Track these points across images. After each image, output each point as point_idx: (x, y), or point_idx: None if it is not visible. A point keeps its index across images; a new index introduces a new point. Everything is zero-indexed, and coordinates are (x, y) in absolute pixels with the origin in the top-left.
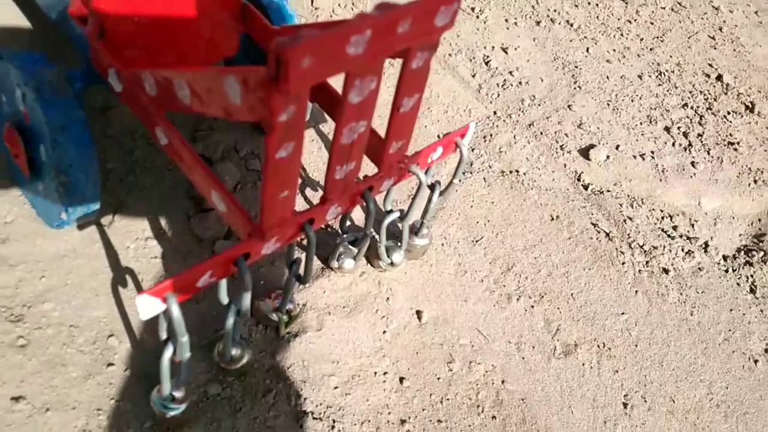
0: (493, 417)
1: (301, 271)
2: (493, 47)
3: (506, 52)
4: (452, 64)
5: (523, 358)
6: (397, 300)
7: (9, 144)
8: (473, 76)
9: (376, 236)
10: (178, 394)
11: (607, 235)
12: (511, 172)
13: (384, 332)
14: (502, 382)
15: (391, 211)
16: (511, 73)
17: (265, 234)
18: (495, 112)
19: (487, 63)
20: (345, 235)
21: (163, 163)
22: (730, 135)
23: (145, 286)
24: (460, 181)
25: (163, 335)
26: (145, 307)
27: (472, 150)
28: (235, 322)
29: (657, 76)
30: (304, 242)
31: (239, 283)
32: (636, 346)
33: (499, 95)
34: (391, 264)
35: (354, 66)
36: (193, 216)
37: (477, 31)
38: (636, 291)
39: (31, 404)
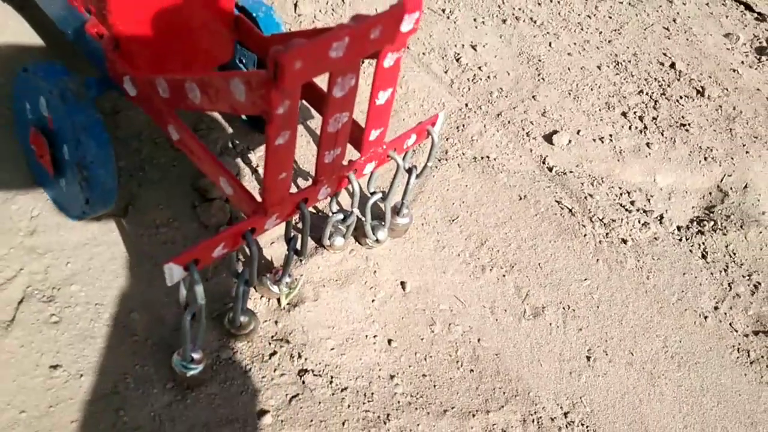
0: (471, 370)
1: (299, 246)
2: (463, 45)
3: (475, 50)
4: (426, 62)
5: (497, 319)
6: (383, 273)
7: (35, 146)
8: (446, 72)
9: (362, 217)
10: (196, 356)
11: (570, 210)
12: (482, 158)
13: (373, 301)
14: (478, 340)
15: (374, 193)
16: (480, 68)
17: (268, 211)
18: (467, 104)
19: (458, 60)
20: (335, 213)
21: (168, 160)
22: (683, 117)
23: (157, 267)
24: (433, 165)
25: (183, 301)
26: (171, 274)
27: (447, 139)
28: (243, 291)
29: (615, 66)
30: (299, 225)
31: (247, 254)
32: (598, 307)
33: (469, 89)
34: (377, 241)
35: (336, 66)
36: (198, 205)
37: (448, 31)
38: (597, 259)
39: (67, 371)
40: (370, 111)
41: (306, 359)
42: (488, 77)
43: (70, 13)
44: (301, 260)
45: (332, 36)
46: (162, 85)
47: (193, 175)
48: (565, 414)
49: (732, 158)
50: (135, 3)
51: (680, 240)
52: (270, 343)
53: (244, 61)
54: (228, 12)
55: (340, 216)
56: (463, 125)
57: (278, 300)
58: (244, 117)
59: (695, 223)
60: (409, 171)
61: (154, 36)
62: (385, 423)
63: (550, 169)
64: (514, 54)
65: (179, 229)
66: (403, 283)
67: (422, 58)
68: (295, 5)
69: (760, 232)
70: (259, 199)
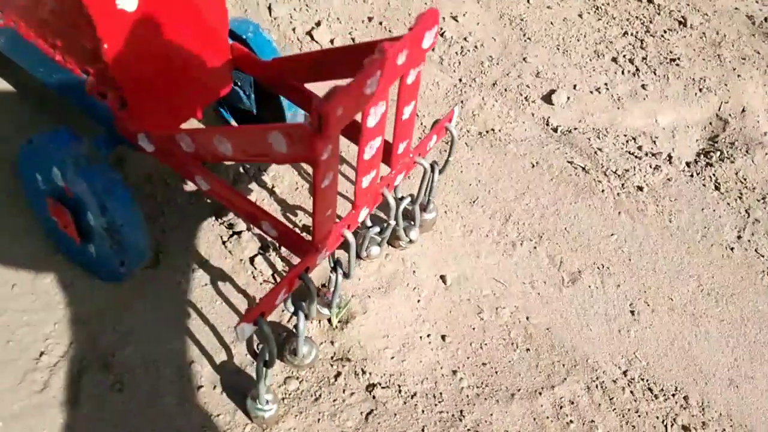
0: (527, 349)
1: (345, 269)
2: (444, 18)
3: (457, 20)
4: None
5: (539, 293)
6: (421, 271)
7: (57, 217)
8: (433, 49)
9: (393, 222)
10: (269, 397)
11: (583, 168)
12: (487, 131)
13: (418, 301)
14: (527, 318)
15: (402, 198)
16: (465, 39)
17: (318, 247)
18: (460, 79)
19: (442, 35)
20: (371, 227)
21: (184, 200)
22: (671, 52)
23: (203, 311)
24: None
25: (253, 350)
26: (243, 332)
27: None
28: (303, 324)
29: (595, 12)
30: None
31: (306, 292)
32: (630, 260)
33: (460, 63)
34: (410, 242)
35: (370, 100)
36: (228, 240)
37: (426, 6)
38: (619, 212)
39: None
40: (396, 127)
41: (370, 373)
42: (475, 47)
43: (66, 76)
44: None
45: (365, 74)
46: (185, 140)
47: (213, 210)
48: (624, 373)
49: (725, 84)
50: (136, 58)
51: (692, 176)
52: (332, 365)
53: (239, 83)
54: (223, 42)
55: (377, 229)
56: (462, 102)
57: (329, 320)
58: None
59: (702, 156)
60: (432, 167)
61: (158, 85)
62: (460, 420)
63: (555, 130)
64: (495, 18)
65: (213, 267)
66: (443, 277)
67: None
68: (269, 8)
69: (767, 153)
70: (302, 234)
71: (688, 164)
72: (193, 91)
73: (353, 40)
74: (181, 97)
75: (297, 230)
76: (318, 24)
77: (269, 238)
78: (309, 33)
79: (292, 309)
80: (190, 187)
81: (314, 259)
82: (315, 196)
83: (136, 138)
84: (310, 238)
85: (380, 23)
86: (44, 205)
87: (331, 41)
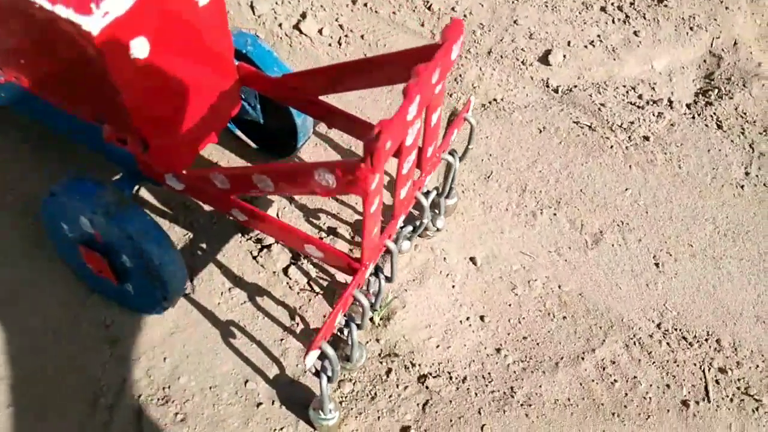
0: (564, 317)
1: (387, 273)
2: None
3: None
4: (400, 21)
5: (566, 260)
6: (451, 256)
7: (91, 264)
8: (422, 25)
9: (426, 221)
10: (331, 406)
11: (590, 127)
12: (490, 102)
13: (453, 286)
14: (559, 287)
15: (428, 193)
16: (453, 9)
17: (367, 265)
18: None
19: (429, 8)
20: (404, 227)
21: (206, 220)
22: None
23: (247, 328)
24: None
25: (314, 369)
26: (311, 359)
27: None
28: (356, 334)
29: None
30: None
31: (359, 305)
32: (646, 212)
33: None
34: (437, 230)
35: (411, 123)
36: (258, 254)
37: None
38: (630, 166)
39: None
40: (426, 133)
41: (419, 365)
42: (464, 16)
43: (78, 125)
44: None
45: (407, 102)
46: (219, 178)
47: (237, 227)
48: (658, 325)
49: (715, 19)
50: (153, 100)
51: (693, 118)
52: (381, 362)
53: (244, 96)
54: (229, 63)
55: (410, 228)
56: (460, 75)
57: (371, 320)
58: (254, 145)
59: (701, 95)
60: (452, 154)
61: (176, 121)
62: (512, 396)
63: (556, 91)
64: None
65: (248, 283)
66: (472, 259)
67: (394, 18)
68: (252, 7)
69: (763, 85)
70: (345, 249)
71: (688, 106)
72: (207, 118)
73: (341, 26)
74: (198, 127)
75: (339, 248)
76: (303, 16)
77: (314, 259)
78: (296, 26)
79: (343, 322)
80: (209, 206)
81: (363, 275)
82: (364, 221)
83: (163, 178)
84: (346, 251)
85: (365, 5)
86: (74, 252)
87: (320, 31)
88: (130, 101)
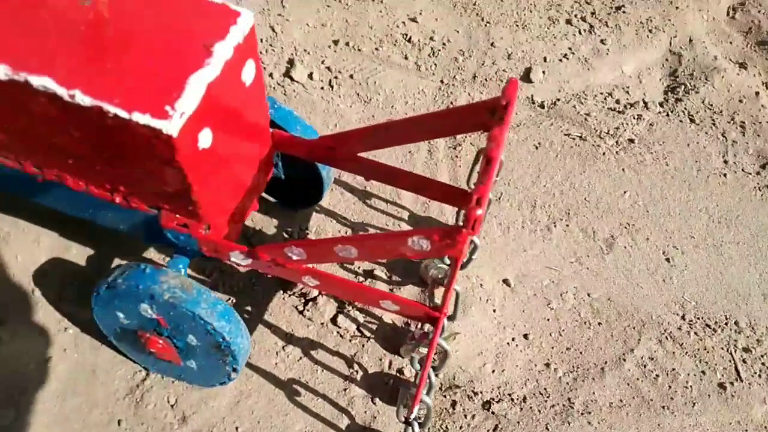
0: (599, 323)
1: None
2: (404, 23)
3: (416, 21)
4: (383, 57)
5: (588, 268)
6: (486, 281)
7: (154, 349)
8: (406, 58)
9: (475, 257)
10: None
11: (581, 137)
12: None
13: (494, 310)
14: (588, 295)
15: None
16: (432, 38)
17: (445, 313)
18: (442, 81)
19: (409, 40)
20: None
21: (246, 283)
22: (612, 1)
23: (309, 383)
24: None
25: (405, 417)
26: (415, 412)
27: None
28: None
29: None
30: None
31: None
32: (647, 211)
33: (435, 65)
34: (471, 260)
35: None
36: (304, 308)
37: (381, 15)
38: (623, 169)
39: None
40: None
41: (481, 392)
42: (443, 44)
43: (127, 214)
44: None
45: (494, 165)
46: (294, 251)
47: (278, 284)
48: (683, 317)
49: (669, 20)
50: (215, 185)
51: (668, 115)
52: (445, 396)
53: None
54: (266, 132)
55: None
56: (451, 102)
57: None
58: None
59: (670, 93)
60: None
61: (230, 198)
62: (572, 406)
63: (542, 106)
64: (449, 9)
65: (302, 338)
66: (505, 281)
67: (378, 53)
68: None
69: (722, 77)
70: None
71: (661, 104)
72: (252, 188)
73: (328, 69)
74: (246, 198)
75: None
76: (291, 63)
77: (390, 313)
78: (287, 74)
79: (418, 367)
80: (242, 267)
81: (442, 320)
82: (453, 275)
83: (227, 257)
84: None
85: (347, 44)
86: (130, 339)
87: (310, 76)
88: (198, 189)
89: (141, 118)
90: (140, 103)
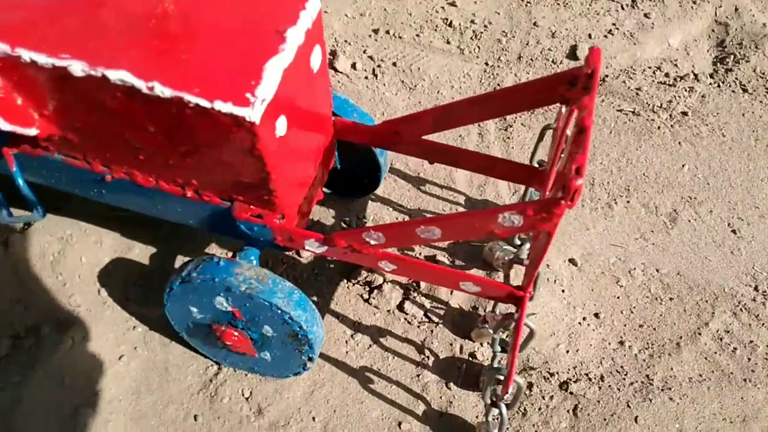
0: (671, 299)
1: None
2: (443, 8)
3: (455, 5)
4: (425, 42)
5: (653, 243)
6: (552, 262)
7: (229, 341)
8: (448, 42)
9: None
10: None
11: (633, 112)
12: None
13: (563, 291)
14: (657, 270)
15: None
16: (473, 21)
17: (530, 291)
18: (487, 63)
19: (450, 24)
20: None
21: (309, 274)
22: None
23: (381, 370)
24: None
25: (487, 399)
26: (510, 393)
27: None
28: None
29: None
30: None
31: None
32: (708, 183)
33: (479, 47)
34: None
35: None
36: (369, 297)
37: (420, 2)
38: (679, 143)
39: None
40: (558, 153)
41: (557, 372)
42: (485, 26)
43: (198, 208)
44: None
45: (588, 134)
46: (373, 236)
47: (342, 273)
48: (755, 288)
49: None
50: (290, 174)
51: (719, 86)
52: (522, 378)
53: None
54: (329, 120)
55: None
56: (498, 84)
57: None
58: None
59: (719, 63)
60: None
61: (302, 187)
62: (651, 383)
63: None
64: None
65: (369, 325)
66: (572, 260)
67: (419, 40)
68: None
69: None
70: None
71: (711, 76)
72: (318, 177)
73: (371, 58)
74: (313, 187)
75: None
76: (333, 54)
77: (470, 294)
78: (330, 66)
79: (499, 349)
80: (304, 257)
81: (526, 301)
82: (543, 252)
83: (302, 246)
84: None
85: (387, 32)
86: (203, 333)
87: (353, 66)
88: (275, 178)
89: (223, 106)
90: (220, 92)
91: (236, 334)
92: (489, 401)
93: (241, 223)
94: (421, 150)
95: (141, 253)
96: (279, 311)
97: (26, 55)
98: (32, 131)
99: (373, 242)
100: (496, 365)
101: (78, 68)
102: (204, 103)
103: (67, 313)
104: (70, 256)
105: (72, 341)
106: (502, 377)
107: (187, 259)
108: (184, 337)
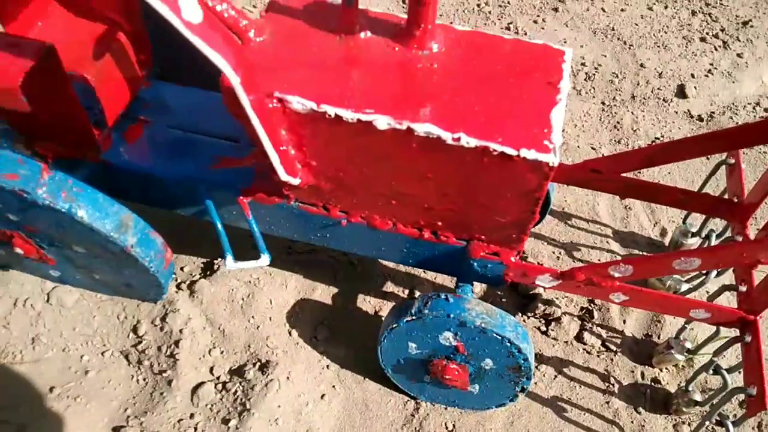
0: None
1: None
2: None
3: None
4: None
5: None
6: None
7: (451, 375)
8: None
9: None
10: None
11: None
12: (653, 141)
13: None
14: None
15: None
16: (582, 64)
17: (762, 314)
18: (603, 102)
19: None
20: None
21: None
22: (737, 16)
23: (572, 399)
24: None
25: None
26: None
27: (618, 142)
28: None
29: (658, 0)
30: None
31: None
32: None
33: (594, 88)
34: None
35: None
36: (547, 329)
37: None
38: None
39: None
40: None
41: None
42: (595, 68)
43: (434, 248)
44: None
45: None
46: (621, 269)
47: (515, 305)
48: None
49: None
50: None
51: None
52: None
53: None
54: None
55: None
56: (618, 122)
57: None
58: None
59: None
60: None
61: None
62: None
63: (701, 119)
64: (590, 36)
65: (551, 356)
66: None
67: None
68: None
69: None
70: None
71: None
72: None
73: None
74: None
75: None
76: None
77: (699, 321)
78: None
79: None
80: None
81: (759, 324)
82: None
83: (533, 281)
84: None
85: None
86: (410, 369)
87: None
88: (536, 217)
89: (527, 153)
90: (522, 140)
91: (457, 368)
92: (716, 419)
93: (475, 261)
94: (618, 187)
95: (323, 293)
96: (509, 344)
97: (331, 110)
98: (296, 181)
99: (617, 275)
100: (733, 386)
101: (384, 122)
102: (510, 151)
103: (267, 355)
104: (260, 299)
105: (278, 382)
106: (752, 394)
107: (369, 298)
108: (388, 373)
